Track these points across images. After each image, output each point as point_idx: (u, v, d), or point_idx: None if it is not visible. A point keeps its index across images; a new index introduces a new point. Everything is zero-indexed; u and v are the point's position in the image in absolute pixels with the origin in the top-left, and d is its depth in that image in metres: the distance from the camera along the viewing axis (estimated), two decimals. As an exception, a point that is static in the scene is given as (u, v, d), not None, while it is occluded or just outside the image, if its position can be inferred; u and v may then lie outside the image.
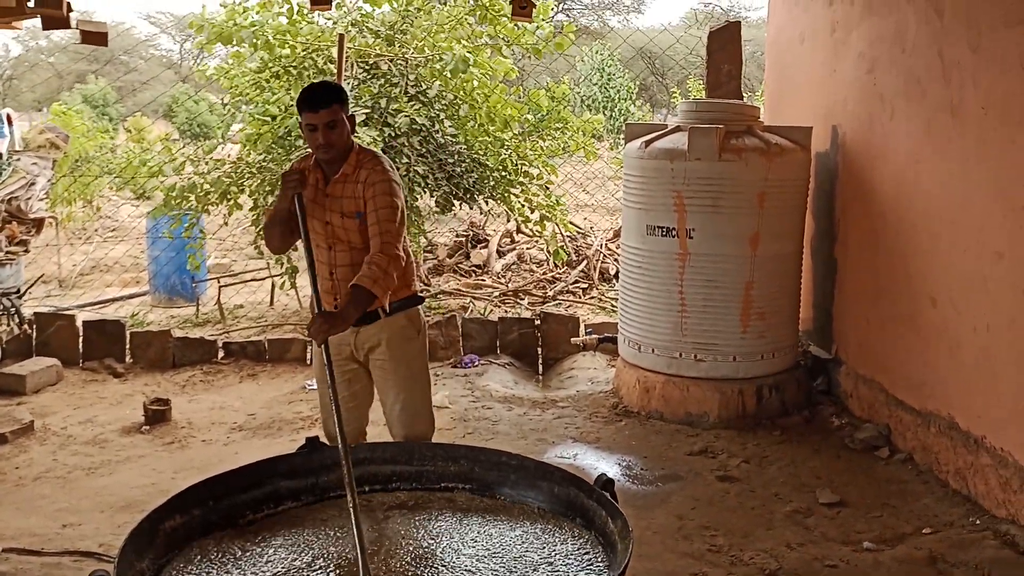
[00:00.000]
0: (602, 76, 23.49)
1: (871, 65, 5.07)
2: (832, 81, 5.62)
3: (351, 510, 2.55)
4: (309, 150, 3.46)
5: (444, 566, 2.49)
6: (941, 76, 4.31)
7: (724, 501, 4.20)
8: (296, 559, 2.53)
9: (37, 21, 5.05)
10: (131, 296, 9.58)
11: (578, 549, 2.59)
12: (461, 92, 7.55)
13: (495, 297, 8.56)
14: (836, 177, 5.54)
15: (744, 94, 6.37)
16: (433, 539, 2.65)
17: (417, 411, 3.56)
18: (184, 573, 2.46)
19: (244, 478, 2.88)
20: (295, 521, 2.78)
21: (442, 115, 7.50)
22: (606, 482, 2.67)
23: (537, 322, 6.76)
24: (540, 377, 6.50)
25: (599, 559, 2.53)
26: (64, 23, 4.97)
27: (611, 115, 21.86)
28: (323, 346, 3.12)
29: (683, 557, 3.66)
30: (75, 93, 25.49)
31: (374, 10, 7.82)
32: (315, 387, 5.82)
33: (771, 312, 5.26)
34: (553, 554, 2.54)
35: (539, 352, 6.67)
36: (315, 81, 3.31)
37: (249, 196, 7.63)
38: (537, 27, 7.63)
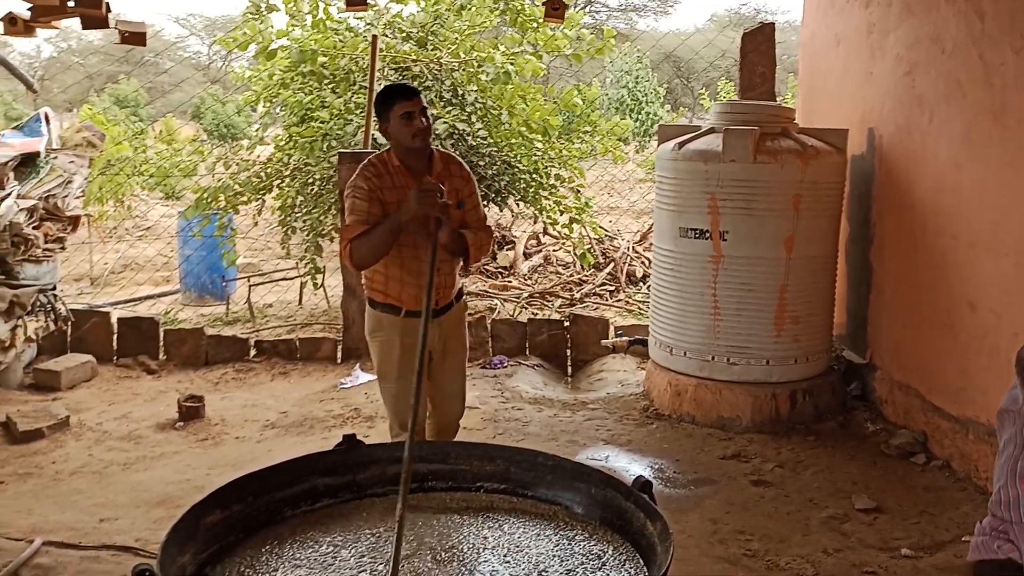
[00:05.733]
0: (629, 79, 23.44)
1: (909, 67, 5.02)
2: (868, 84, 5.57)
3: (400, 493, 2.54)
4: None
5: (475, 568, 2.47)
6: (983, 79, 4.26)
7: (759, 506, 4.17)
8: (335, 557, 2.52)
9: (75, 21, 5.10)
10: (162, 295, 9.67)
11: (616, 552, 2.56)
12: (500, 100, 7.56)
13: (523, 299, 8.55)
14: (872, 180, 5.49)
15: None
16: (465, 540, 2.63)
17: (464, 391, 3.93)
18: (227, 568, 2.46)
19: (283, 474, 2.87)
20: (334, 518, 2.77)
21: (473, 117, 7.51)
22: (644, 484, 2.65)
23: (566, 324, 6.74)
24: (569, 379, 6.49)
25: (638, 562, 2.50)
26: (103, 23, 5.02)
27: (638, 118, 21.81)
28: (436, 222, 3.18)
29: (718, 561, 3.64)
30: (106, 95, 25.79)
31: (402, 9, 7.86)
32: (348, 386, 5.87)
33: (805, 316, 5.21)
34: (591, 557, 2.52)
35: (568, 354, 6.66)
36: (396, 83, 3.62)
37: (277, 198, 7.69)
38: (577, 36, 7.63)
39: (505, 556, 2.54)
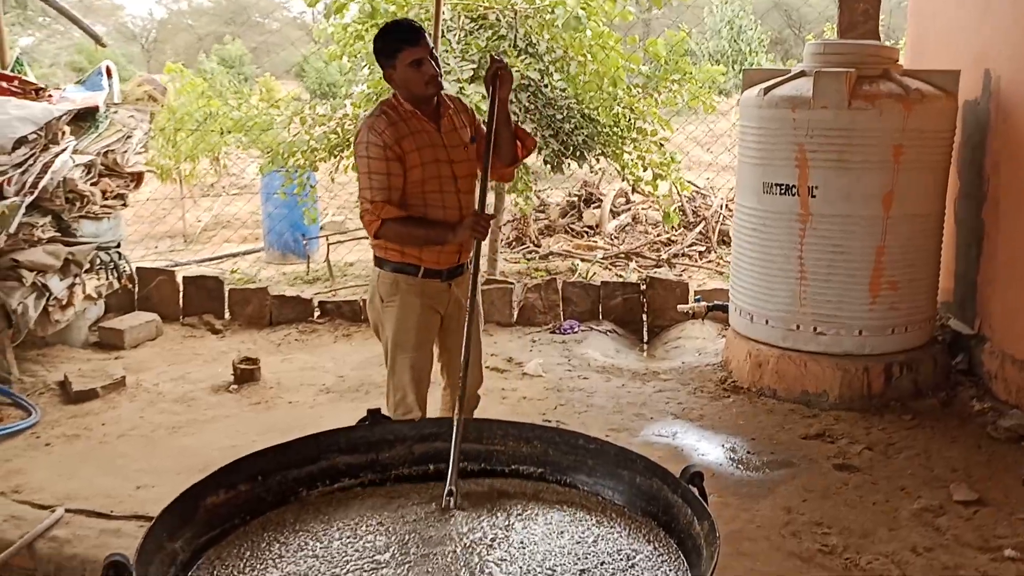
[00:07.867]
0: (732, 29, 22.40)
1: (1035, -3, 4.38)
2: (986, 18, 4.93)
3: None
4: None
5: (508, 561, 2.17)
6: (1123, 5, 3.63)
7: (841, 494, 3.74)
8: (356, 545, 2.25)
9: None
10: (247, 252, 9.70)
11: (657, 552, 2.23)
12: (572, 47, 7.13)
13: (603, 259, 8.16)
14: (988, 128, 4.87)
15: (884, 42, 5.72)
16: (498, 530, 2.32)
17: (480, 359, 3.74)
18: (227, 557, 2.23)
19: (298, 452, 2.64)
20: (353, 501, 2.51)
21: (551, 68, 7.11)
22: (693, 475, 2.30)
23: (643, 287, 6.33)
24: (644, 346, 6.11)
25: (681, 566, 2.16)
26: None
27: (741, 69, 20.84)
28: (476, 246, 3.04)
29: (789, 557, 3.25)
30: (213, 55, 26.34)
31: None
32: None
33: (905, 281, 4.68)
34: (629, 556, 2.19)
35: (644, 319, 6.27)
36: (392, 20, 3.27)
37: (350, 155, 7.50)
38: None
39: (536, 551, 2.22)
